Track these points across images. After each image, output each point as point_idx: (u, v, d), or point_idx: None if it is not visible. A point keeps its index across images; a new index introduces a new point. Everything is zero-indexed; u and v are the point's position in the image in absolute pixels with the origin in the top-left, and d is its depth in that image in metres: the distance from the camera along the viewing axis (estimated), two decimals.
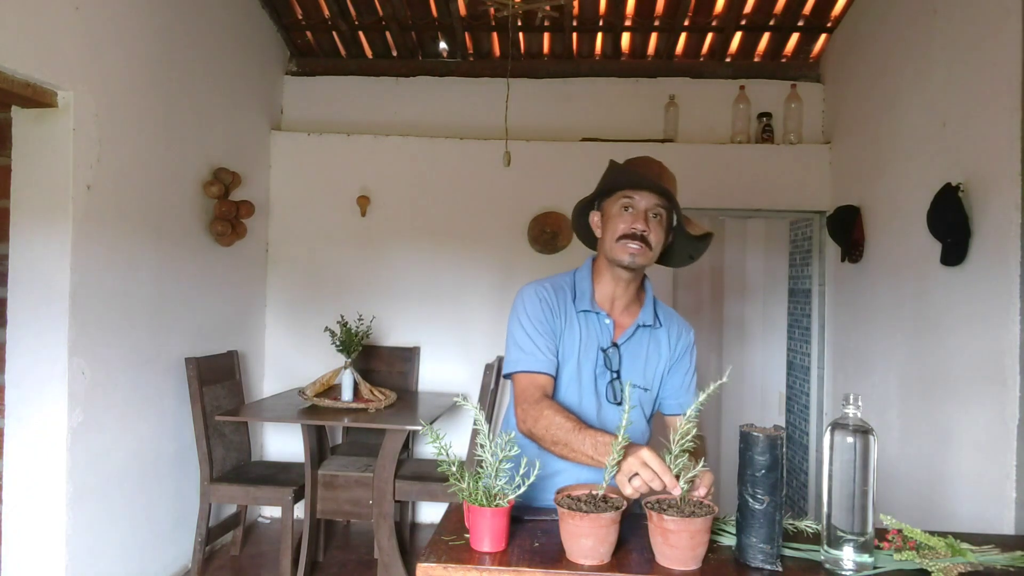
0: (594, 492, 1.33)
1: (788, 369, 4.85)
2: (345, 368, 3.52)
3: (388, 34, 4.34)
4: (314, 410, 3.33)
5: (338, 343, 3.52)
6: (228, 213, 3.66)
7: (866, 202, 3.66)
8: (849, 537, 1.23)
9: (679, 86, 4.35)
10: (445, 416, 3.93)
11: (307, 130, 4.41)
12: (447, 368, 4.31)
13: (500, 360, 3.62)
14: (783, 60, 4.38)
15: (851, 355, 3.83)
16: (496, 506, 1.28)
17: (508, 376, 1.70)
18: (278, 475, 3.51)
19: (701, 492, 1.33)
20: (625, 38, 4.33)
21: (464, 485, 1.31)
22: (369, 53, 4.53)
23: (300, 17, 4.30)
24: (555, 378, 1.68)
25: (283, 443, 4.30)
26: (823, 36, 4.19)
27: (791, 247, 4.82)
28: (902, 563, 1.26)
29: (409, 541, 3.96)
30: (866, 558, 1.23)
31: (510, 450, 1.33)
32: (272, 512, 4.26)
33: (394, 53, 4.49)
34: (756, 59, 4.39)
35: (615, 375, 1.70)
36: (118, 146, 2.87)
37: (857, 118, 3.81)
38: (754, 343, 5.25)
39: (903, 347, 3.19)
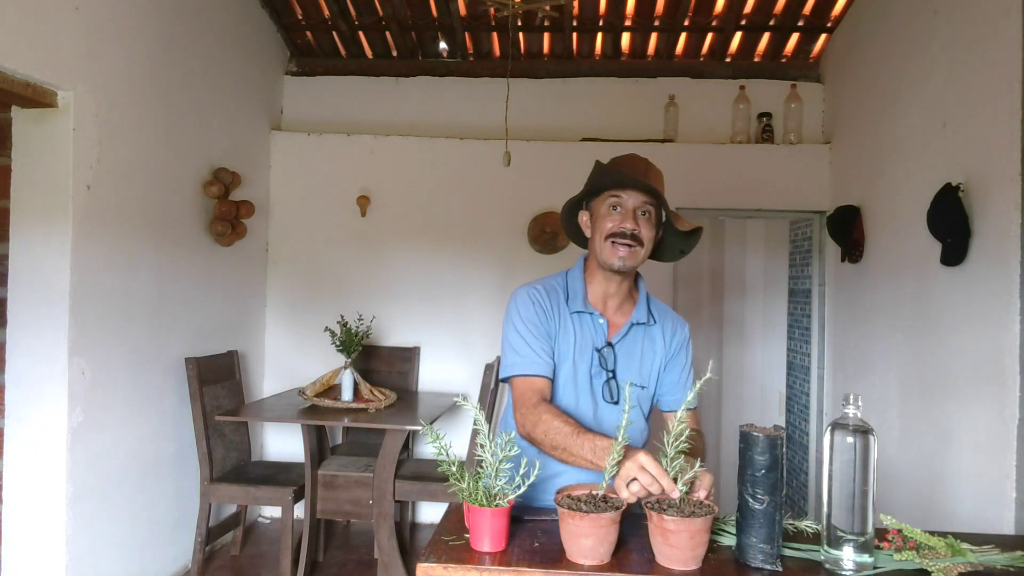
0: (594, 492, 1.33)
1: (788, 369, 4.85)
2: (345, 368, 3.52)
3: (388, 34, 4.34)
4: (314, 410, 3.33)
5: (338, 343, 3.52)
6: (228, 213, 3.66)
7: (866, 202, 3.66)
8: (849, 537, 1.23)
9: (679, 86, 4.35)
10: (445, 416, 3.93)
11: (307, 130, 4.41)
12: (447, 368, 4.31)
13: (499, 361, 3.62)
14: (783, 60, 4.38)
15: (851, 355, 3.83)
16: (496, 506, 1.28)
17: (505, 380, 1.70)
18: (278, 475, 3.51)
19: (701, 495, 1.33)
20: (625, 38, 4.33)
21: (464, 485, 1.31)
22: (369, 53, 4.53)
23: (300, 17, 4.30)
24: (552, 380, 1.68)
25: (283, 443, 4.30)
26: (823, 36, 4.19)
27: (791, 247, 4.82)
28: (902, 563, 1.25)
29: (409, 541, 3.96)
30: (866, 558, 1.23)
31: (510, 450, 1.33)
32: (272, 512, 4.26)
33: (394, 53, 4.49)
34: (756, 59, 4.39)
35: (611, 374, 1.70)
36: (118, 146, 2.87)
37: (857, 118, 3.81)
38: (754, 343, 5.25)
39: (903, 347, 3.19)
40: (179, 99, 3.32)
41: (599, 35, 4.31)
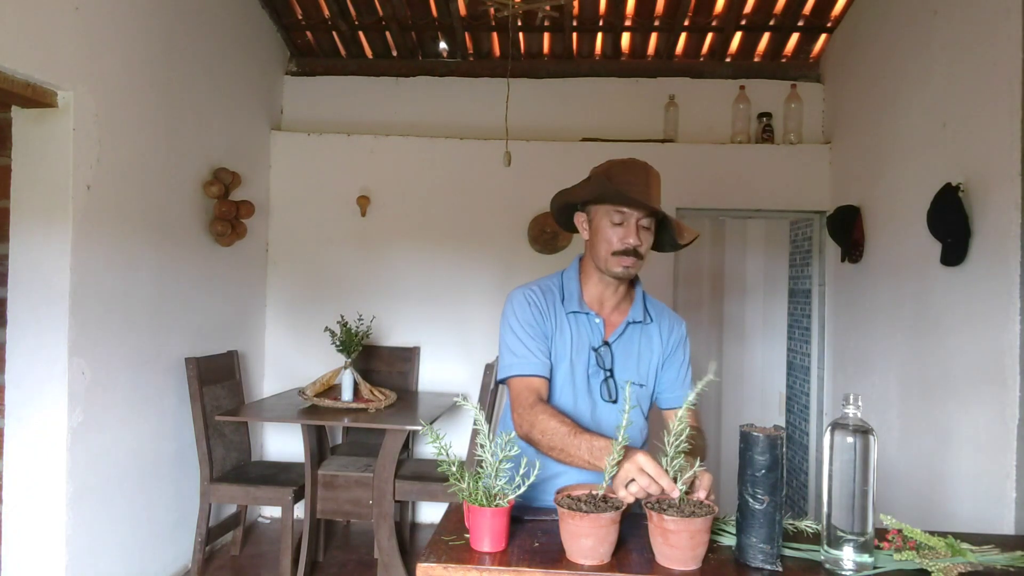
0: (594, 492, 1.33)
1: (788, 369, 4.85)
2: (345, 368, 3.52)
3: (388, 34, 4.34)
4: (314, 410, 3.33)
5: (338, 343, 3.52)
6: (228, 213, 3.66)
7: (866, 202, 3.66)
8: (849, 537, 1.23)
9: (679, 86, 4.35)
10: (445, 416, 3.93)
11: (307, 130, 4.41)
12: (447, 368, 4.31)
13: (499, 359, 3.61)
14: (783, 60, 4.38)
15: (851, 355, 3.83)
16: (496, 506, 1.28)
17: (503, 381, 1.70)
18: (278, 475, 3.51)
19: (700, 495, 1.33)
20: (625, 38, 4.33)
21: (464, 485, 1.31)
22: (369, 53, 4.53)
23: (300, 17, 4.30)
24: (549, 380, 1.68)
25: (283, 443, 4.30)
26: (823, 36, 4.19)
27: (791, 247, 4.82)
28: (902, 563, 1.25)
29: (409, 541, 3.96)
30: (866, 558, 1.23)
31: (510, 450, 1.33)
32: (272, 512, 4.26)
33: (394, 53, 4.49)
34: (756, 59, 4.39)
35: (608, 373, 1.70)
36: (118, 146, 2.87)
37: (857, 118, 3.81)
38: (754, 343, 5.25)
39: (903, 347, 3.19)
40: (179, 99, 3.32)
41: (599, 35, 4.31)
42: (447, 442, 1.35)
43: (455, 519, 1.42)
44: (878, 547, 1.29)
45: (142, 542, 3.14)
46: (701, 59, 4.41)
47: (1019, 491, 2.38)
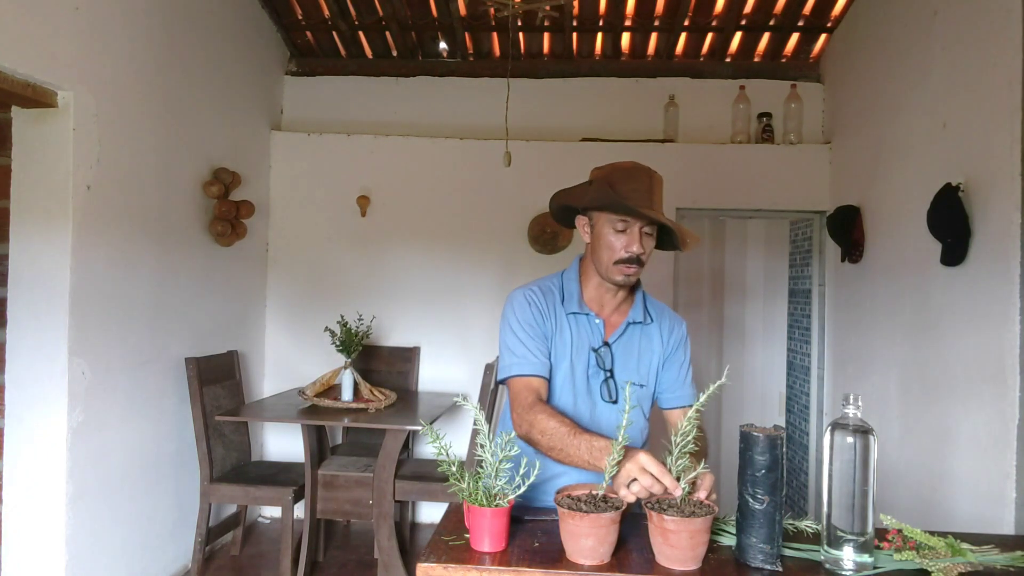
0: (594, 492, 1.33)
1: (788, 369, 4.85)
2: (345, 368, 3.52)
3: (388, 34, 4.34)
4: (314, 410, 3.33)
5: (338, 343, 3.52)
6: (228, 213, 3.66)
7: (866, 202, 3.66)
8: (849, 537, 1.23)
9: (679, 86, 4.35)
10: (445, 416, 3.94)
11: (307, 130, 4.41)
12: (447, 368, 4.31)
13: (499, 360, 3.61)
14: (783, 60, 4.38)
15: (851, 355, 3.83)
16: (496, 506, 1.28)
17: (502, 382, 1.70)
18: (278, 475, 3.51)
19: (701, 495, 1.33)
20: (625, 38, 4.33)
21: (464, 485, 1.31)
22: (369, 53, 4.53)
23: (300, 17, 4.30)
24: (549, 380, 1.68)
25: (283, 443, 4.30)
26: (823, 36, 4.19)
27: (791, 247, 4.82)
28: (902, 563, 1.25)
29: (409, 541, 3.96)
30: (866, 558, 1.23)
31: (510, 450, 1.33)
32: (272, 512, 4.26)
33: (394, 53, 4.49)
34: (756, 59, 4.39)
35: (608, 374, 1.70)
36: (118, 146, 2.87)
37: (857, 118, 3.81)
38: (754, 343, 5.25)
39: (903, 347, 3.19)
40: (179, 99, 3.32)
41: (599, 35, 4.31)
42: (447, 442, 1.35)
43: (455, 519, 1.42)
44: (878, 547, 1.29)
45: (142, 542, 3.14)
46: (701, 59, 4.41)
47: (1019, 491, 2.38)
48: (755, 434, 1.24)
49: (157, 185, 3.17)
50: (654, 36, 4.29)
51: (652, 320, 1.77)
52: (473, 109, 4.41)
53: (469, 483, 1.30)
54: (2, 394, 2.67)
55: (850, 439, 1.23)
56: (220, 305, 3.80)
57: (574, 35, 4.25)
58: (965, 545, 1.29)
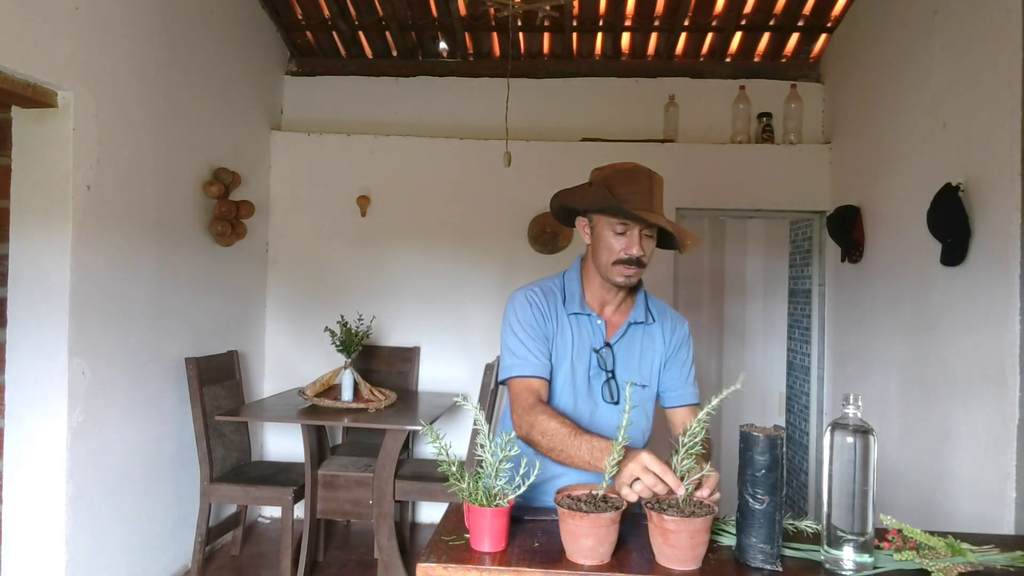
0: (594, 492, 1.33)
1: (788, 369, 4.85)
2: (345, 368, 3.52)
3: (388, 34, 4.34)
4: (314, 410, 3.33)
5: (338, 343, 3.52)
6: (228, 213, 3.66)
7: (866, 202, 3.66)
8: (849, 537, 1.23)
9: (679, 86, 4.35)
10: (445, 416, 3.93)
11: (307, 130, 4.41)
12: (447, 368, 4.31)
13: (499, 360, 3.62)
14: (783, 60, 4.38)
15: (851, 355, 3.83)
16: (496, 506, 1.28)
17: (503, 382, 1.70)
18: (278, 475, 3.51)
19: (704, 493, 1.32)
20: (625, 38, 4.33)
21: (464, 485, 1.31)
22: (369, 53, 4.53)
23: (300, 17, 4.30)
24: (550, 381, 1.68)
25: (283, 443, 4.30)
26: (823, 36, 4.19)
27: (791, 247, 4.82)
28: (902, 563, 1.25)
29: (409, 541, 3.96)
30: (866, 558, 1.23)
31: (510, 450, 1.33)
32: (272, 512, 4.26)
33: (394, 53, 4.49)
34: (756, 59, 4.39)
35: (610, 375, 1.70)
36: (118, 146, 2.87)
37: (857, 118, 3.81)
38: (754, 343, 5.25)
39: (903, 347, 3.19)
40: (179, 99, 3.32)
41: (599, 35, 4.31)
42: (447, 442, 1.35)
43: (455, 519, 1.42)
44: (878, 547, 1.29)
45: (142, 542, 3.14)
46: (701, 59, 4.41)
47: (1019, 491, 2.38)
48: (755, 434, 1.24)
49: (157, 185, 3.17)
50: (654, 36, 4.29)
51: (654, 320, 1.77)
52: (473, 109, 4.41)
53: (469, 483, 1.30)
54: (2, 394, 2.67)
55: (850, 439, 1.23)
56: (220, 305, 3.80)
57: (574, 35, 4.25)
58: (965, 545, 1.29)
